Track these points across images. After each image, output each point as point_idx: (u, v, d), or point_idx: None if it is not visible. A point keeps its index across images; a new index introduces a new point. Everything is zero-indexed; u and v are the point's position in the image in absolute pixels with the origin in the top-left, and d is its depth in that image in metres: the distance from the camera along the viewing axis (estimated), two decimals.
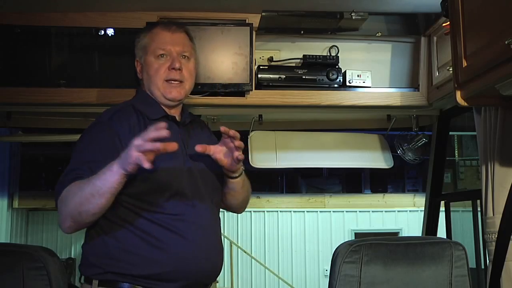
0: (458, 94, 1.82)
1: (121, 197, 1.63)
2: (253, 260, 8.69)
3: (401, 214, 9.09)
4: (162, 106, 1.81)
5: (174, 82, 1.79)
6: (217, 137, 1.98)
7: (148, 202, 1.64)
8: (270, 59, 2.56)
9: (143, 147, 1.44)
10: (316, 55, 2.51)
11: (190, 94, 1.95)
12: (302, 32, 2.55)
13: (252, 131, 2.82)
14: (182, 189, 1.68)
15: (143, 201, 1.64)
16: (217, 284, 7.60)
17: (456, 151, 7.11)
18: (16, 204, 7.90)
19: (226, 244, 8.27)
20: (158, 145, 1.45)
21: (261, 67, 2.47)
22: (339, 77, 2.48)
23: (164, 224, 1.64)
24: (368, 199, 9.45)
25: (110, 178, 1.50)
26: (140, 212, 1.63)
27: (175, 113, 1.84)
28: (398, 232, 8.95)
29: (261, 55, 2.55)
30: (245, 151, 2.78)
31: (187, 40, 1.86)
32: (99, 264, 1.63)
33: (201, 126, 1.97)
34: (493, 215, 1.98)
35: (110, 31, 2.36)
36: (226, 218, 8.51)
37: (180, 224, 1.65)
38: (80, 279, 1.69)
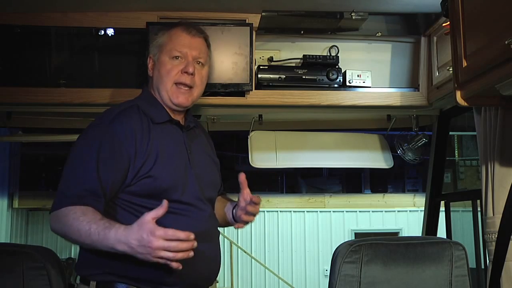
0: (458, 94, 1.82)
1: (123, 200, 1.64)
2: (253, 260, 8.68)
3: (401, 214, 9.09)
4: (167, 109, 1.79)
5: (183, 87, 1.76)
6: (217, 138, 2.00)
7: (149, 205, 1.63)
8: (270, 59, 2.56)
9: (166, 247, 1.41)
10: (316, 55, 2.51)
11: None
12: (302, 32, 2.55)
13: (252, 131, 2.82)
14: (183, 194, 1.68)
15: (144, 205, 1.63)
16: (217, 284, 7.60)
17: (456, 151, 7.11)
18: (16, 204, 7.89)
19: (226, 244, 8.27)
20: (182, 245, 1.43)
21: (261, 67, 2.47)
22: (339, 77, 2.48)
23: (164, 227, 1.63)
24: (368, 199, 9.44)
25: (106, 245, 1.48)
26: (141, 215, 1.63)
27: (180, 117, 1.82)
28: (398, 232, 8.95)
29: (261, 55, 2.55)
30: (245, 151, 2.80)
31: (205, 47, 1.83)
32: (97, 264, 1.62)
33: (203, 131, 1.97)
34: (493, 215, 1.98)
35: (110, 31, 2.36)
36: None
37: (180, 228, 1.64)
38: (76, 279, 1.68)
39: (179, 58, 1.76)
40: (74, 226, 1.51)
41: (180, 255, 1.42)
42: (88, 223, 1.49)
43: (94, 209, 1.54)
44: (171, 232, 1.42)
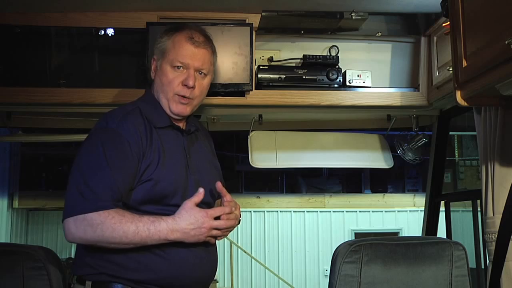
0: (458, 94, 1.82)
1: (123, 205, 1.63)
2: (253, 260, 8.69)
3: (401, 214, 9.10)
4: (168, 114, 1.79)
5: (183, 99, 1.75)
6: (217, 138, 1.99)
7: (148, 210, 1.64)
8: (270, 59, 2.56)
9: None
10: (316, 55, 2.50)
11: None
12: (302, 32, 2.55)
13: (252, 131, 2.82)
14: (183, 199, 1.67)
15: (144, 209, 1.63)
16: (217, 284, 7.60)
17: (456, 151, 7.11)
18: (16, 204, 7.90)
19: (226, 244, 8.28)
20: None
21: (261, 67, 2.47)
22: (339, 77, 2.48)
23: None
24: (368, 199, 9.45)
25: (157, 238, 1.57)
26: None
27: (181, 121, 1.82)
28: (398, 232, 8.96)
29: (261, 55, 2.55)
30: (245, 151, 2.80)
31: (208, 56, 1.80)
32: (93, 265, 1.63)
33: (205, 133, 1.97)
34: (493, 215, 1.98)
35: (110, 31, 2.36)
36: None
37: None
38: (72, 279, 1.68)
39: (181, 68, 1.74)
40: (118, 229, 1.53)
41: (227, 233, 1.66)
42: (132, 223, 1.54)
43: (124, 210, 1.57)
44: (219, 210, 1.62)
